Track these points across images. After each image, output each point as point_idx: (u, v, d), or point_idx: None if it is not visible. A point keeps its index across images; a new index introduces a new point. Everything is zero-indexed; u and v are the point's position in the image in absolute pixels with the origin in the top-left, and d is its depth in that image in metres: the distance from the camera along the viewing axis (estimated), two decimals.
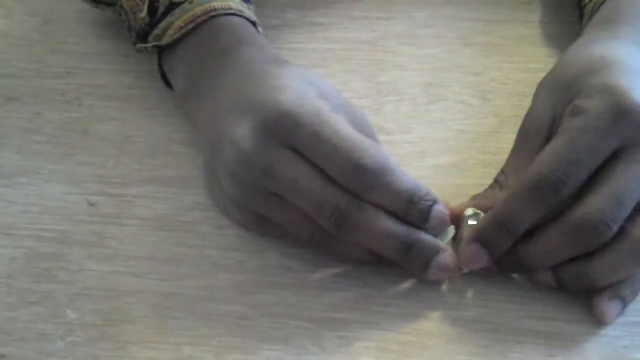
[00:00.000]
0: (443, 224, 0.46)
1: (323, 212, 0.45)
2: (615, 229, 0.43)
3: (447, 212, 0.46)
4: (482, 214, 0.47)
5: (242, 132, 0.46)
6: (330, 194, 0.45)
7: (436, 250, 0.46)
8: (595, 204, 0.43)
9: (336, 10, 0.63)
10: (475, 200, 0.48)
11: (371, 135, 0.48)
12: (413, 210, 0.45)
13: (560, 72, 0.49)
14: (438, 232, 0.46)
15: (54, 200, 0.52)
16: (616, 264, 0.44)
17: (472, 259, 0.46)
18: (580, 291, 0.46)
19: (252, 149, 0.45)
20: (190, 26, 0.52)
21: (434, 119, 0.56)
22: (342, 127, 0.45)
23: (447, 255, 0.46)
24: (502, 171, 0.48)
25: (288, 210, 0.46)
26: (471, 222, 0.47)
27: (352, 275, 0.48)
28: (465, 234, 0.46)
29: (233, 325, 0.46)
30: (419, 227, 0.46)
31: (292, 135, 0.45)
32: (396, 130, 0.56)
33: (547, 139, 0.46)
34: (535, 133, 0.47)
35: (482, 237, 0.45)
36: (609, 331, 0.46)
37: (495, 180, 0.48)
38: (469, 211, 0.47)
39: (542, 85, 0.49)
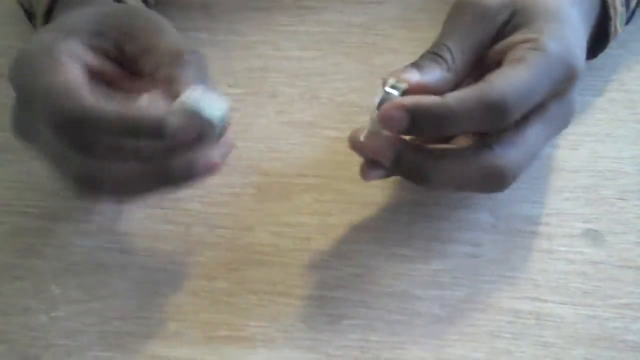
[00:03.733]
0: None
1: None
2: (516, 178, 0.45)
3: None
4: (403, 86, 0.44)
5: None
6: None
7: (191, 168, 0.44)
8: (515, 157, 0.44)
9: None
10: (422, 70, 0.46)
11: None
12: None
13: None
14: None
15: (40, 177, 0.52)
16: (453, 175, 0.44)
17: (392, 119, 0.43)
18: (413, 182, 0.46)
19: None
20: None
21: None
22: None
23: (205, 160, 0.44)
24: (447, 47, 0.47)
25: None
26: (390, 90, 0.44)
27: (341, 253, 0.48)
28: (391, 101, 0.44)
29: (220, 302, 0.46)
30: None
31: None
32: None
33: (498, 32, 0.47)
34: (490, 20, 0.47)
35: (415, 114, 0.43)
36: (599, 312, 0.45)
37: (440, 56, 0.46)
38: (391, 81, 0.45)
39: None
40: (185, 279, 0.47)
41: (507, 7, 0.47)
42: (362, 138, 0.45)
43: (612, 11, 0.52)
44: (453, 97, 0.43)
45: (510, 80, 0.43)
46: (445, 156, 0.45)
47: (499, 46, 0.46)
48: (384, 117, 0.44)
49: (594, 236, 0.48)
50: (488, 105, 0.43)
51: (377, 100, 0.44)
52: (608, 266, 0.47)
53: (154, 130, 0.42)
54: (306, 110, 0.55)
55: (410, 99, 0.44)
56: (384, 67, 0.57)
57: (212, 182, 0.50)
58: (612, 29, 0.53)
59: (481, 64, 0.47)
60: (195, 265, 0.47)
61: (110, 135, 0.43)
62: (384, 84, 0.45)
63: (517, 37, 0.46)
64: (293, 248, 0.48)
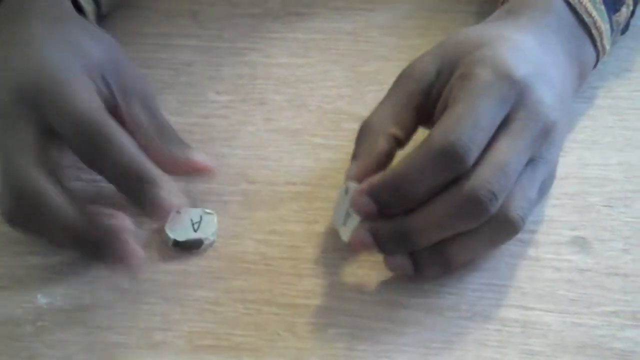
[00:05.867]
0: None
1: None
2: (500, 200, 0.43)
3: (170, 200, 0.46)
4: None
5: None
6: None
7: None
8: (481, 174, 0.43)
9: (318, 1, 0.62)
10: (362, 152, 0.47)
11: (144, 101, 0.49)
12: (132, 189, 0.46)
13: (450, 43, 0.49)
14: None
15: None
16: (435, 218, 0.44)
17: (361, 207, 0.44)
18: (436, 276, 0.46)
19: None
20: None
21: None
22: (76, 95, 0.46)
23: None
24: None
25: None
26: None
27: (326, 262, 0.48)
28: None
29: (205, 311, 0.46)
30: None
31: (38, 106, 0.46)
32: None
33: (427, 94, 0.47)
34: (416, 80, 0.47)
35: (374, 193, 0.44)
36: (586, 320, 0.45)
37: None
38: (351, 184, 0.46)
39: (428, 52, 0.49)
40: (171, 288, 0.47)
41: (434, 63, 0.48)
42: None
43: (595, 32, 0.52)
44: (401, 161, 0.44)
45: (449, 122, 0.44)
46: (419, 207, 0.44)
47: (442, 99, 0.46)
48: (356, 208, 0.45)
49: (581, 243, 0.48)
50: (438, 154, 0.43)
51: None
52: (595, 274, 0.47)
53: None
54: (295, 118, 0.55)
55: (365, 183, 0.45)
56: (373, 74, 0.58)
57: (199, 190, 0.50)
58: (600, 48, 0.53)
59: (431, 121, 0.47)
60: (181, 274, 0.47)
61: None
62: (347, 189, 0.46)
63: (451, 81, 0.46)
64: (279, 256, 0.48)
